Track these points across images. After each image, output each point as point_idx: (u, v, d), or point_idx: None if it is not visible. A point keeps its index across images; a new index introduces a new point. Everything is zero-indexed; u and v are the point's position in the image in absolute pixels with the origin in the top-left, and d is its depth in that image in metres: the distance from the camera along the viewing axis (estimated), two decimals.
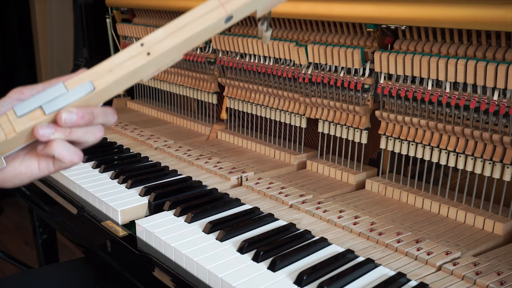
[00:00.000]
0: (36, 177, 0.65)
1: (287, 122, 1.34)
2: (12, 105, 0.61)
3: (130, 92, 2.00)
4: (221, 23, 0.62)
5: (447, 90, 0.97)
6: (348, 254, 0.83)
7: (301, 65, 1.23)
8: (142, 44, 0.59)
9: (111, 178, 1.18)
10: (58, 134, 0.60)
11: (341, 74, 1.15)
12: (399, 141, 1.09)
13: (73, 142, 0.63)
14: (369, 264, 0.80)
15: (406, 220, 0.99)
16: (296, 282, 0.75)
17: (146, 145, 1.47)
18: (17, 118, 0.58)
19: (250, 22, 1.40)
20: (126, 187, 1.12)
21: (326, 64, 1.17)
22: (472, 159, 0.98)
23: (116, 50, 1.96)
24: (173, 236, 0.90)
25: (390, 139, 1.11)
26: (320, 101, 1.21)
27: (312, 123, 1.37)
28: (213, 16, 0.60)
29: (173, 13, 1.68)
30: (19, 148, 0.62)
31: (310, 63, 1.22)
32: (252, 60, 1.36)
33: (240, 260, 0.82)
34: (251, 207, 1.03)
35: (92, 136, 0.63)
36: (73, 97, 0.59)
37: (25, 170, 0.63)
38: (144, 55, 0.59)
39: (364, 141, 1.17)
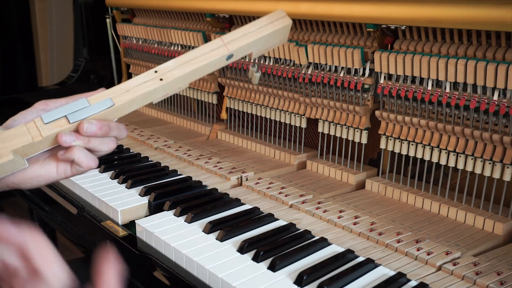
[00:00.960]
0: (53, 180, 0.71)
1: (287, 122, 1.34)
2: (37, 114, 0.69)
3: None
4: (223, 60, 0.73)
5: (447, 90, 0.97)
6: (348, 254, 0.83)
7: (301, 65, 1.23)
8: (156, 71, 0.69)
9: (111, 178, 1.18)
10: (79, 141, 0.67)
11: (341, 74, 1.15)
12: (399, 141, 1.09)
13: (89, 151, 0.69)
14: (369, 264, 0.80)
15: (406, 220, 0.99)
16: (296, 282, 0.75)
17: (146, 145, 1.47)
18: (43, 125, 0.66)
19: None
20: (126, 187, 1.12)
21: (326, 64, 1.17)
22: (472, 159, 0.98)
23: (116, 50, 1.96)
24: (173, 236, 0.90)
25: (390, 139, 1.11)
26: (320, 101, 1.21)
27: (312, 123, 1.37)
28: (217, 53, 0.72)
29: (173, 13, 1.68)
30: (41, 152, 0.68)
31: (310, 63, 1.21)
32: (251, 60, 1.36)
33: (240, 260, 0.82)
34: (251, 207, 1.02)
35: (106, 146, 0.71)
36: (94, 110, 0.67)
37: (44, 173, 0.69)
38: (157, 80, 0.69)
39: (364, 141, 1.17)
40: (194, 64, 0.71)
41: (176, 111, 1.76)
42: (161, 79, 0.69)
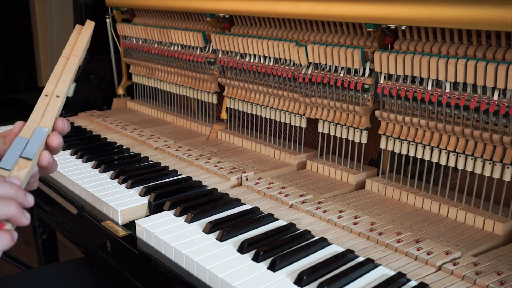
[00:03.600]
0: None
1: (287, 122, 1.34)
2: None
3: (130, 92, 2.00)
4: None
5: (447, 90, 0.97)
6: (348, 254, 0.83)
7: (301, 65, 1.23)
8: (58, 96, 0.78)
9: (111, 178, 1.18)
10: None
11: (341, 74, 1.15)
12: (399, 141, 1.09)
13: None
14: (369, 264, 0.80)
15: (406, 220, 0.99)
16: (296, 282, 0.75)
17: (146, 145, 1.47)
18: (7, 171, 0.68)
19: (250, 22, 1.41)
20: (126, 187, 1.12)
21: (326, 64, 1.17)
22: (472, 159, 0.98)
23: (116, 50, 1.96)
24: (173, 236, 0.90)
25: (390, 139, 1.11)
26: (320, 101, 1.21)
27: (312, 123, 1.37)
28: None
29: (173, 13, 1.68)
30: None
31: (310, 63, 1.21)
32: (252, 60, 1.36)
33: (240, 260, 0.82)
34: (251, 207, 1.02)
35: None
36: (38, 141, 0.72)
37: None
38: (56, 99, 0.78)
39: (364, 141, 1.17)
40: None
41: (176, 111, 1.76)
42: (57, 96, 0.78)
